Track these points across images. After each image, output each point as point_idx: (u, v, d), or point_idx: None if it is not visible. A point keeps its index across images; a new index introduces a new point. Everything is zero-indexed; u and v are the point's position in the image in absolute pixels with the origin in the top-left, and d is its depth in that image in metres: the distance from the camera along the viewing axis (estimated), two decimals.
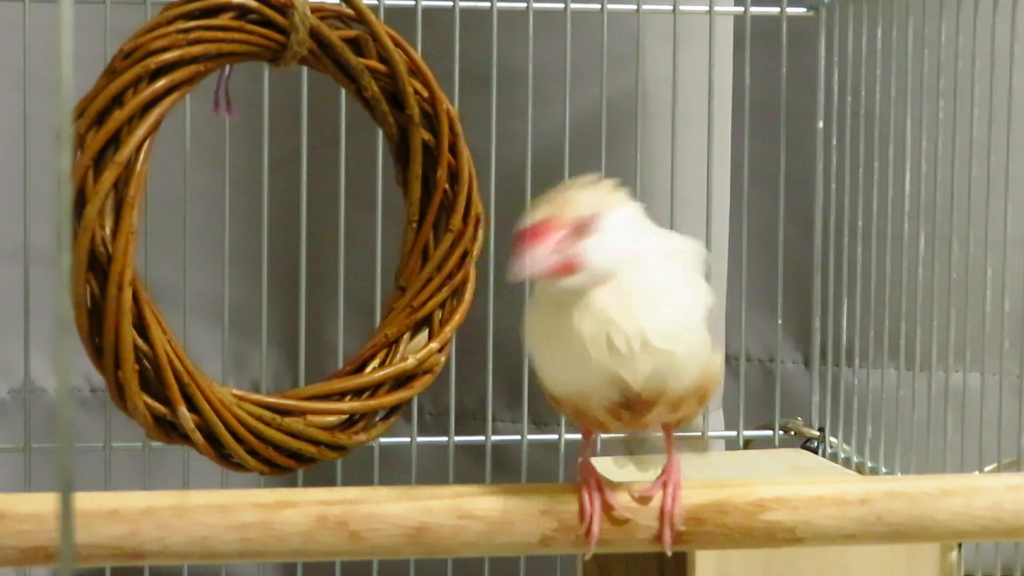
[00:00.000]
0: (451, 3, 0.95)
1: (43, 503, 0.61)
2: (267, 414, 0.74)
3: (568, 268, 0.61)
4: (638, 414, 0.64)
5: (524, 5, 0.96)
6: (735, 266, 1.07)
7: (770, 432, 1.04)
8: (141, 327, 0.71)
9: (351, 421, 0.77)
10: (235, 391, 0.74)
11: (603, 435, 0.93)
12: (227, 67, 0.77)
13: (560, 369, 0.64)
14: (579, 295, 0.62)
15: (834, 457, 1.03)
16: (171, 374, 0.71)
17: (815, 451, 1.04)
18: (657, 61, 1.00)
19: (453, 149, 0.79)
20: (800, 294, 1.06)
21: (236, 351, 1.02)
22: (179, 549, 0.62)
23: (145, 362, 0.71)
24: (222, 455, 0.74)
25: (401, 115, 0.79)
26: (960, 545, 0.82)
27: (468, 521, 0.63)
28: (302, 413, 0.75)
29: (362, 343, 0.80)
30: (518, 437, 1.00)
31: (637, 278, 0.63)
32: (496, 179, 0.95)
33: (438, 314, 0.79)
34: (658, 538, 0.65)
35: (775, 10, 1.02)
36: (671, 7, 0.98)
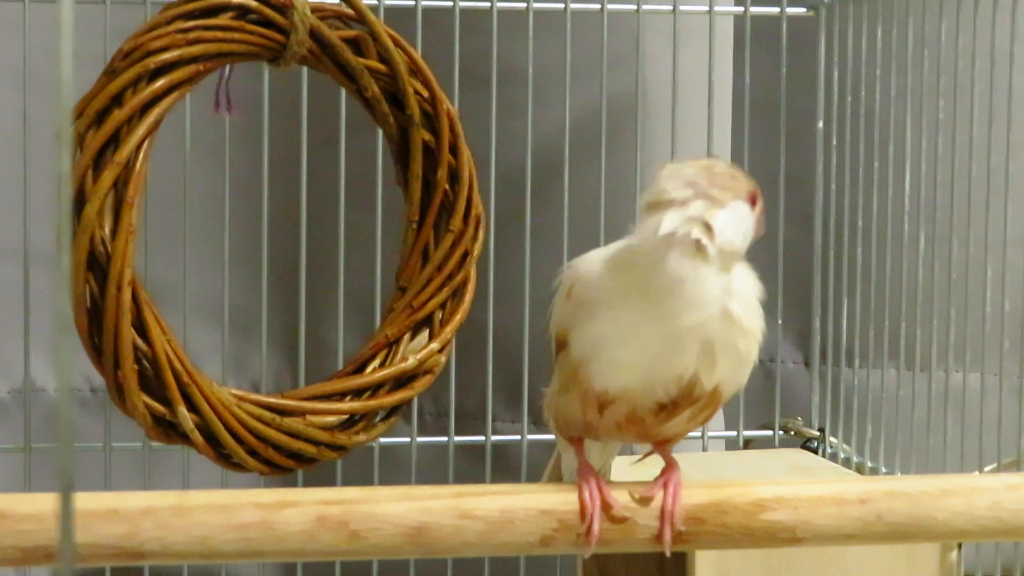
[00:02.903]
0: (451, 3, 0.95)
1: (43, 503, 0.61)
2: (267, 414, 0.74)
3: (697, 243, 0.61)
4: (670, 415, 0.64)
5: (524, 5, 0.96)
6: None
7: (770, 432, 1.04)
8: (140, 327, 0.71)
9: (351, 421, 0.77)
10: (235, 391, 0.74)
11: None
12: (227, 67, 0.77)
13: (638, 357, 0.63)
14: (677, 287, 0.62)
15: (834, 457, 1.03)
16: (170, 374, 0.71)
17: (815, 451, 1.04)
18: (657, 61, 1.00)
19: (453, 149, 0.79)
20: (800, 294, 1.06)
21: (236, 351, 1.02)
22: (179, 549, 0.62)
23: (144, 362, 0.71)
24: (221, 455, 0.74)
25: (401, 115, 0.79)
26: (960, 545, 0.82)
27: (468, 521, 0.63)
28: (302, 413, 0.75)
29: (362, 343, 0.80)
30: (518, 437, 1.00)
31: (737, 278, 0.64)
32: (496, 179, 0.95)
33: (438, 314, 0.79)
34: (658, 538, 0.64)
35: (775, 10, 1.02)
36: (671, 7, 0.98)
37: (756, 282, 0.65)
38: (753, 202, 0.64)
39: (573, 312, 0.65)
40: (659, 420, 0.64)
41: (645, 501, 0.65)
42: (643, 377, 0.63)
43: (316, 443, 0.75)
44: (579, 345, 0.64)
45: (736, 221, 0.63)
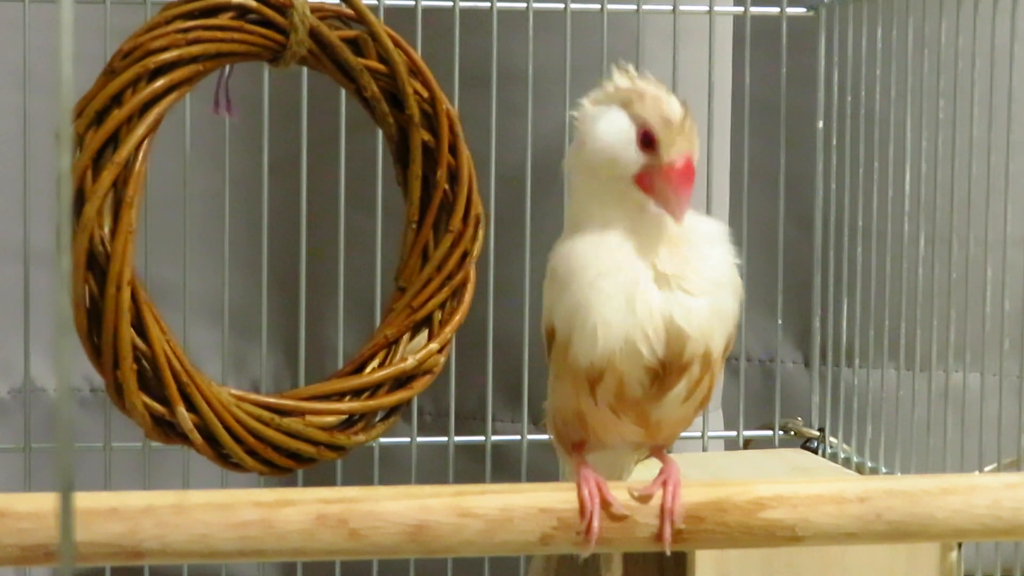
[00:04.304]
0: (451, 3, 0.95)
1: (43, 502, 0.61)
2: (266, 414, 0.74)
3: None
4: (664, 387, 0.64)
5: (524, 5, 0.96)
6: None
7: (770, 432, 1.05)
8: (140, 327, 0.71)
9: (350, 421, 0.77)
10: (234, 391, 0.74)
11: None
12: (227, 67, 0.77)
13: (612, 318, 0.63)
14: (644, 235, 0.64)
15: (834, 457, 1.03)
16: (169, 374, 0.71)
17: (815, 451, 1.04)
18: (657, 61, 1.00)
19: (453, 149, 0.79)
20: (800, 294, 1.06)
21: (236, 351, 1.02)
22: (179, 547, 0.62)
23: (144, 362, 0.71)
24: (221, 455, 0.74)
25: (401, 115, 0.79)
26: (960, 545, 0.82)
27: (468, 519, 0.63)
28: (301, 413, 0.75)
29: (362, 343, 0.80)
30: (518, 437, 1.00)
31: (695, 224, 0.66)
32: (496, 179, 0.95)
33: (438, 314, 0.79)
34: (658, 536, 0.64)
35: (775, 10, 1.02)
36: (671, 7, 0.98)
37: (722, 229, 0.67)
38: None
39: (555, 292, 0.66)
40: (654, 394, 0.64)
41: (644, 499, 0.65)
42: (624, 335, 0.63)
43: (315, 443, 0.75)
44: (561, 321, 0.65)
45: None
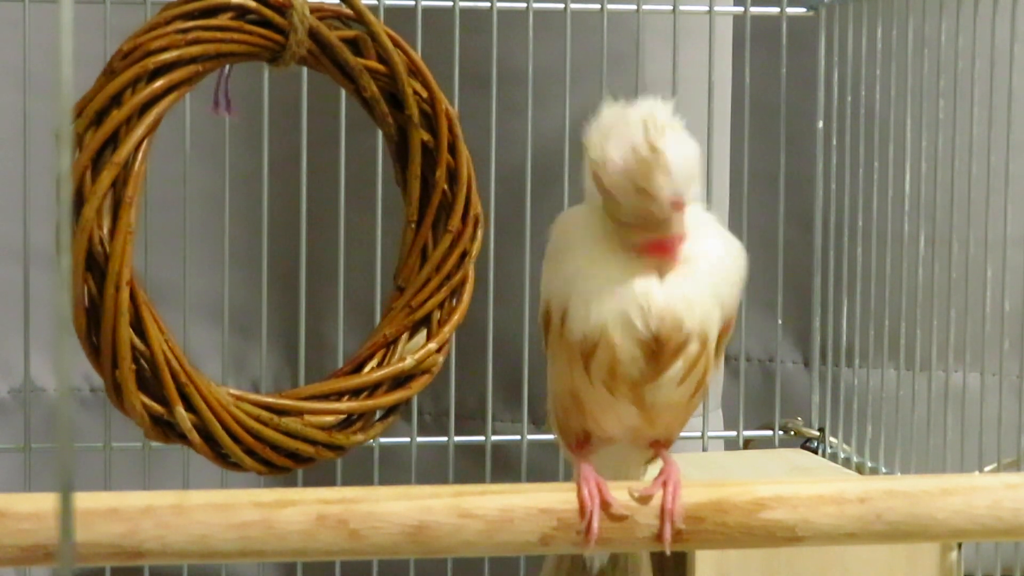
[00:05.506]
0: (451, 3, 0.95)
1: (43, 502, 0.61)
2: (264, 414, 0.74)
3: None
4: (659, 366, 0.63)
5: (524, 5, 0.96)
6: None
7: (770, 432, 1.04)
8: (139, 327, 0.71)
9: (349, 421, 0.77)
10: (232, 391, 0.74)
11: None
12: (227, 67, 0.77)
13: (606, 289, 0.63)
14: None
15: (834, 457, 1.03)
16: (168, 374, 0.71)
17: (815, 451, 1.04)
18: (657, 61, 1.00)
19: (452, 149, 0.79)
20: (800, 294, 1.06)
21: (236, 351, 1.02)
22: (179, 548, 0.62)
23: (142, 362, 0.71)
24: (219, 455, 0.74)
25: (400, 115, 0.79)
26: (960, 545, 0.82)
27: (468, 520, 0.63)
28: (300, 413, 0.75)
29: (362, 343, 0.80)
30: (518, 437, 1.00)
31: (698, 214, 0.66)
32: (496, 179, 0.95)
33: (436, 314, 0.79)
34: (658, 536, 0.64)
35: (775, 10, 1.02)
36: (671, 7, 0.98)
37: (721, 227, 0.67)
38: None
39: (551, 269, 0.66)
40: (650, 372, 0.64)
41: (645, 499, 0.65)
42: (618, 306, 0.63)
43: (314, 443, 0.75)
44: (556, 296, 0.65)
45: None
